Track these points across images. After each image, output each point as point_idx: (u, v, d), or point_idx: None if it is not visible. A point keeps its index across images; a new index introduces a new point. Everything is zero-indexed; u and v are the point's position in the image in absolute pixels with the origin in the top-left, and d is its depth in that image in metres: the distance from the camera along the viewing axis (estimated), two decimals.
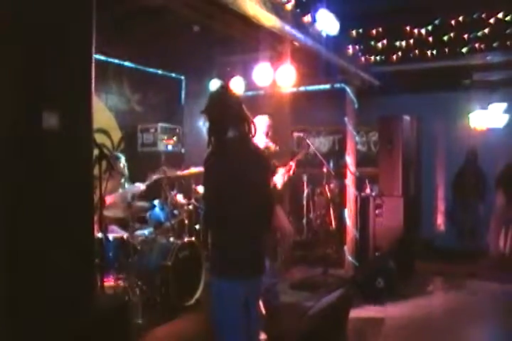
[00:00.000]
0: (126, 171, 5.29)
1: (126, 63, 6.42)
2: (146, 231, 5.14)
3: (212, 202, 2.85)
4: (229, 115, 2.88)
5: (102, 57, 5.73)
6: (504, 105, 7.99)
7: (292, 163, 5.33)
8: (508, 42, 6.54)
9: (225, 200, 2.79)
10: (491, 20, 6.24)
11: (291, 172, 5.33)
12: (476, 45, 6.74)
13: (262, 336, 4.12)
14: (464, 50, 6.85)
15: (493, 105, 7.96)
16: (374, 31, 6.55)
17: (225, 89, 3.15)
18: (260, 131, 4.79)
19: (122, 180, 5.15)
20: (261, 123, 4.90)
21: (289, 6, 5.06)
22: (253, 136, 2.96)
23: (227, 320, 2.90)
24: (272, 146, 5.01)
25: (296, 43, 5.23)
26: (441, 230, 8.71)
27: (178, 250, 4.85)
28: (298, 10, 5.26)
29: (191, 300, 4.94)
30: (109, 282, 4.45)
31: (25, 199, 2.43)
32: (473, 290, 6.31)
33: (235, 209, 2.82)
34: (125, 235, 4.78)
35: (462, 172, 8.45)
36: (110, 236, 4.67)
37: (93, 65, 2.82)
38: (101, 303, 2.96)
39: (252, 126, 2.93)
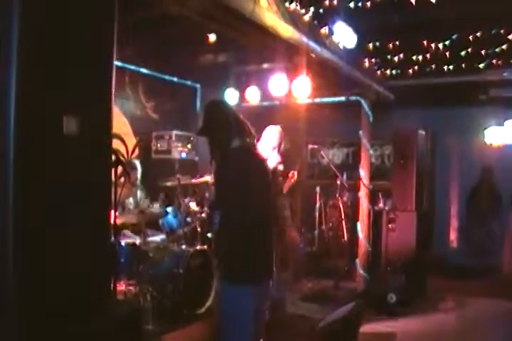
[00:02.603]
0: (138, 182, 5.34)
1: (142, 70, 6.47)
2: (158, 238, 5.14)
3: (227, 209, 2.92)
4: (230, 126, 2.95)
5: (119, 63, 5.78)
6: None
7: (294, 172, 5.32)
8: None
9: (239, 206, 2.88)
10: (509, 37, 6.21)
11: (292, 180, 5.31)
12: (494, 61, 6.71)
13: None
14: (481, 65, 6.82)
15: (509, 121, 7.91)
16: (391, 45, 6.54)
17: (220, 102, 3.27)
18: (272, 142, 4.82)
19: (134, 189, 5.19)
20: (272, 134, 4.88)
21: (306, 18, 5.10)
22: (255, 145, 3.08)
23: (238, 326, 2.90)
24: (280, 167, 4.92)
25: (312, 55, 5.25)
26: (454, 247, 8.61)
27: (190, 258, 4.83)
28: (315, 22, 5.30)
29: (202, 308, 4.90)
30: (121, 287, 4.44)
31: (40, 204, 2.44)
32: (485, 308, 6.24)
33: (249, 215, 2.90)
34: (137, 241, 4.78)
35: (477, 188, 8.39)
36: (123, 242, 4.67)
37: (114, 70, 2.85)
38: (114, 309, 2.94)
39: (252, 134, 3.03)
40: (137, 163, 5.44)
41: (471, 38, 6.29)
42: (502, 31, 6.16)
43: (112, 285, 3.08)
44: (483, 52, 6.57)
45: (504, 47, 6.38)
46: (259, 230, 2.94)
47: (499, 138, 7.91)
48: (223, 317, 2.97)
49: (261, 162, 3.11)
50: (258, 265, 2.94)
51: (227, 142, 2.94)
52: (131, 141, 6.37)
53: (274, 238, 3.10)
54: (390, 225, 6.75)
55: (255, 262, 2.91)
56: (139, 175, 5.32)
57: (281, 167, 4.98)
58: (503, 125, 7.94)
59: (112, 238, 4.24)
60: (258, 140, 4.87)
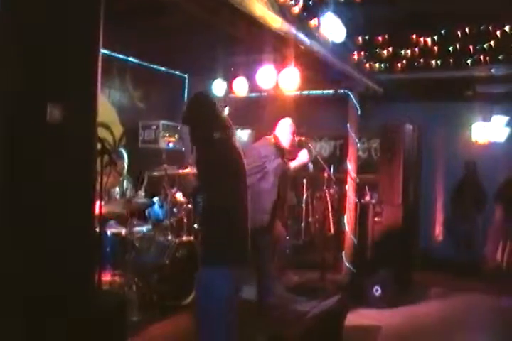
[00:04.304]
0: (125, 171, 5.31)
1: (130, 59, 6.43)
2: (144, 228, 5.11)
3: (214, 193, 3.13)
4: (213, 119, 3.22)
5: (106, 52, 5.73)
6: (506, 119, 7.99)
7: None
8: None
9: (224, 191, 3.13)
10: (497, 33, 6.23)
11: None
12: (481, 57, 6.73)
13: None
14: (469, 61, 6.84)
15: (495, 118, 7.95)
16: (380, 38, 6.55)
17: (206, 95, 3.58)
18: (287, 132, 5.17)
19: (121, 178, 5.16)
20: (287, 125, 5.22)
21: (296, 9, 5.07)
22: (233, 137, 3.35)
23: (215, 308, 3.01)
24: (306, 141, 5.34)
25: (301, 47, 5.22)
26: (439, 241, 8.68)
27: (176, 248, 4.82)
28: (305, 13, 5.27)
29: (188, 299, 4.89)
30: (106, 277, 4.41)
31: (25, 192, 2.40)
32: (469, 301, 6.30)
33: (232, 200, 3.16)
34: (123, 231, 4.75)
35: (462, 184, 8.45)
36: (108, 232, 4.64)
37: (100, 58, 2.82)
38: (99, 300, 2.92)
39: (232, 128, 3.32)
40: (124, 152, 5.40)
41: (459, 33, 6.29)
42: (490, 27, 6.18)
43: (97, 275, 3.06)
44: (471, 48, 6.58)
45: (492, 43, 6.39)
46: (238, 215, 3.18)
47: (485, 133, 7.96)
48: (200, 301, 3.13)
49: (238, 154, 3.32)
50: (236, 249, 3.13)
51: (209, 133, 3.16)
52: (119, 130, 6.33)
53: (248, 224, 3.27)
54: (376, 218, 6.78)
55: (234, 246, 3.11)
56: (125, 165, 5.29)
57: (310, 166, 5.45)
58: (489, 121, 7.98)
59: (98, 228, 4.23)
60: (272, 131, 5.21)
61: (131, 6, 4.52)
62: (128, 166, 5.31)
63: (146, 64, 6.71)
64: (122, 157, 5.22)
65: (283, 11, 4.71)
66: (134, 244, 4.73)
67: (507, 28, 6.14)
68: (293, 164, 5.09)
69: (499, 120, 7.98)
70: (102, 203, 3.41)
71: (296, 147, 5.23)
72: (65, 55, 2.60)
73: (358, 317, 5.15)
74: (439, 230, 8.72)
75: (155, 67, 6.90)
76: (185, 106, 3.41)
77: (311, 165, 5.53)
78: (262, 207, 4.68)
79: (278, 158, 4.95)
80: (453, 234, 8.42)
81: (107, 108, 6.12)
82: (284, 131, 5.18)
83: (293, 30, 4.84)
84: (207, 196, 3.18)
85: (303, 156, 5.10)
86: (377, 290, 5.75)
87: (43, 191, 2.48)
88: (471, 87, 7.81)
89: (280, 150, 5.07)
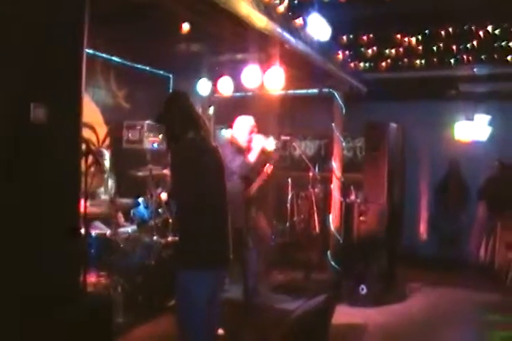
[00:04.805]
0: (107, 168, 5.29)
1: (114, 58, 6.36)
2: (129, 229, 5.08)
3: (187, 194, 3.06)
4: (187, 119, 3.15)
5: (90, 51, 5.66)
6: (488, 117, 8.06)
7: (268, 167, 5.35)
8: (496, 55, 6.60)
9: (194, 194, 3.05)
10: (480, 33, 6.29)
11: (267, 175, 5.36)
12: (464, 56, 6.79)
13: (220, 331, 4.11)
14: (452, 60, 6.89)
15: (478, 117, 8.03)
16: (365, 38, 6.57)
17: (180, 94, 3.44)
18: (243, 130, 5.07)
19: (105, 176, 5.12)
20: (245, 124, 5.11)
21: (281, 8, 5.06)
22: (209, 136, 3.28)
23: (193, 311, 3.01)
24: (268, 148, 5.12)
25: (286, 46, 5.22)
26: (424, 238, 8.75)
27: (161, 249, 4.80)
28: (290, 13, 5.27)
29: (173, 300, 4.86)
30: (91, 279, 4.36)
31: (8, 193, 2.37)
32: (453, 298, 6.36)
33: (203, 202, 3.07)
34: (108, 232, 4.71)
35: (445, 182, 8.53)
36: (93, 233, 4.60)
37: (84, 58, 2.80)
38: (85, 302, 2.89)
39: (207, 128, 3.26)
40: (105, 151, 5.36)
41: (443, 33, 6.34)
42: (473, 27, 6.23)
43: (82, 277, 3.03)
44: (454, 47, 6.63)
45: (475, 43, 6.45)
46: (214, 217, 3.12)
47: (468, 132, 8.03)
48: (179, 303, 3.12)
49: (214, 153, 3.27)
50: (213, 251, 3.06)
51: (183, 133, 3.11)
52: (103, 130, 6.28)
53: (229, 225, 3.22)
54: (361, 217, 6.80)
55: (210, 248, 3.04)
56: (107, 164, 5.25)
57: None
58: (472, 120, 8.05)
59: (82, 229, 4.19)
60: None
61: (116, 6, 4.48)
62: (112, 166, 5.27)
63: (130, 63, 6.63)
64: (103, 156, 5.17)
65: (268, 10, 4.70)
66: (119, 245, 4.69)
67: (489, 28, 6.19)
68: (252, 157, 4.95)
69: (481, 119, 8.05)
70: (87, 203, 3.36)
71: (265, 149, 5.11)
72: (49, 54, 2.58)
73: (344, 316, 5.12)
74: (423, 228, 8.78)
75: (139, 66, 6.83)
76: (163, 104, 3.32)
77: (275, 153, 5.46)
78: (235, 207, 4.66)
79: (239, 157, 4.89)
80: (437, 232, 8.49)
81: (91, 108, 6.05)
82: (240, 129, 5.11)
83: (278, 30, 4.84)
84: (180, 199, 3.13)
85: (256, 143, 4.99)
86: (362, 289, 5.78)
87: (27, 192, 2.45)
88: (454, 86, 7.88)
89: (239, 149, 5.01)
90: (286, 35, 5.01)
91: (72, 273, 2.81)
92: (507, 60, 6.59)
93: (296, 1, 5.27)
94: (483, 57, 6.72)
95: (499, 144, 7.80)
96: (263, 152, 5.02)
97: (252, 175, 5.17)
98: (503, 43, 6.35)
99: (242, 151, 5.02)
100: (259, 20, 4.51)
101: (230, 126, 5.35)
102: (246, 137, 5.04)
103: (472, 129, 8.01)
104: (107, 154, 5.25)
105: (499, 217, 7.44)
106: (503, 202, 7.37)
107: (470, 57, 6.81)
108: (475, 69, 7.10)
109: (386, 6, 5.57)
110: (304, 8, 5.37)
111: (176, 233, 3.80)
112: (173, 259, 4.15)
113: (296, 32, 5.21)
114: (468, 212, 8.11)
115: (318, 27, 5.31)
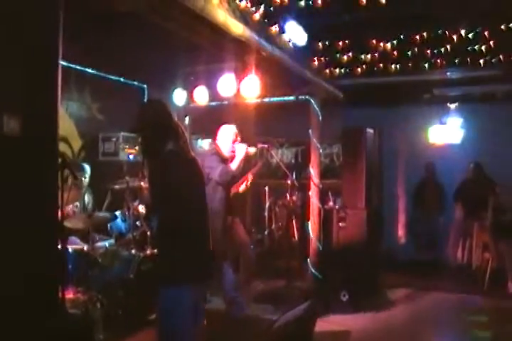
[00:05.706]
0: (85, 184, 5.19)
1: (88, 70, 6.26)
2: (107, 243, 4.97)
3: (168, 209, 2.91)
4: (165, 129, 2.97)
5: (64, 63, 5.56)
6: (461, 120, 8.16)
7: (250, 176, 5.35)
8: (468, 59, 6.67)
9: (174, 208, 2.90)
10: (453, 37, 6.33)
11: (246, 184, 5.35)
12: (438, 60, 6.84)
13: None
14: (426, 65, 6.94)
15: (451, 120, 8.12)
16: (340, 44, 6.57)
17: (157, 102, 3.23)
18: (227, 140, 5.06)
19: (83, 190, 5.03)
20: (228, 133, 5.10)
21: (257, 16, 5.04)
22: (188, 147, 3.08)
23: (178, 328, 2.88)
24: (250, 150, 5.15)
25: (263, 53, 5.19)
26: (402, 242, 8.80)
27: (140, 262, 4.71)
28: (266, 20, 5.25)
29: (154, 313, 4.76)
30: (69, 295, 4.25)
31: None
32: (433, 301, 6.41)
33: (185, 216, 2.94)
34: (85, 247, 4.61)
35: (422, 185, 8.61)
36: (70, 248, 4.49)
37: (60, 70, 2.74)
38: (64, 325, 2.80)
39: (185, 137, 3.08)
40: (86, 166, 5.26)
41: (417, 37, 6.37)
42: (447, 32, 6.28)
43: (60, 295, 2.93)
44: (428, 52, 6.68)
45: (448, 47, 6.49)
46: (197, 231, 3.00)
47: (442, 135, 8.12)
48: (163, 319, 2.95)
49: (193, 164, 3.13)
50: (197, 266, 2.95)
51: (161, 144, 2.95)
52: (77, 143, 6.16)
53: (210, 238, 3.11)
54: (340, 224, 6.77)
55: (194, 263, 2.93)
56: (87, 179, 5.15)
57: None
58: (445, 123, 8.14)
59: (59, 244, 4.09)
60: (214, 139, 5.11)
61: (89, 16, 4.40)
62: (89, 180, 5.17)
63: (104, 75, 6.54)
64: (84, 171, 5.07)
65: (244, 18, 4.68)
66: (96, 260, 4.59)
67: (462, 32, 6.24)
68: (234, 164, 4.94)
69: (455, 122, 8.15)
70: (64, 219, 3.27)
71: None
72: (24, 65, 2.52)
73: (326, 324, 5.14)
74: (402, 231, 8.84)
75: (113, 77, 6.74)
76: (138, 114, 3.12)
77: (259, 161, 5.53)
78: (216, 218, 4.61)
79: (221, 164, 4.86)
80: (415, 235, 8.56)
81: (65, 120, 5.94)
82: (223, 139, 5.10)
83: (255, 36, 4.81)
84: (161, 214, 2.98)
85: (239, 151, 4.98)
86: (344, 295, 5.76)
87: (1, 206, 2.37)
88: (428, 91, 7.96)
89: (223, 159, 4.99)
90: (263, 42, 4.99)
91: (51, 292, 2.73)
92: (479, 64, 6.65)
93: (271, 8, 5.24)
94: (456, 60, 6.77)
95: (473, 146, 7.92)
96: (247, 157, 5.04)
97: (233, 183, 5.15)
98: (476, 47, 6.40)
99: (225, 160, 4.99)
100: (236, 28, 4.49)
101: (207, 136, 5.31)
102: (229, 146, 5.03)
103: (446, 133, 8.11)
104: (88, 169, 5.15)
105: (475, 218, 7.51)
106: (478, 204, 7.45)
107: (444, 62, 6.85)
108: (448, 73, 7.17)
109: (361, 12, 5.56)
110: (279, 15, 5.35)
111: (157, 248, 3.64)
112: (154, 275, 4.01)
113: (272, 39, 5.19)
114: (445, 214, 8.19)
115: (294, 34, 5.31)
